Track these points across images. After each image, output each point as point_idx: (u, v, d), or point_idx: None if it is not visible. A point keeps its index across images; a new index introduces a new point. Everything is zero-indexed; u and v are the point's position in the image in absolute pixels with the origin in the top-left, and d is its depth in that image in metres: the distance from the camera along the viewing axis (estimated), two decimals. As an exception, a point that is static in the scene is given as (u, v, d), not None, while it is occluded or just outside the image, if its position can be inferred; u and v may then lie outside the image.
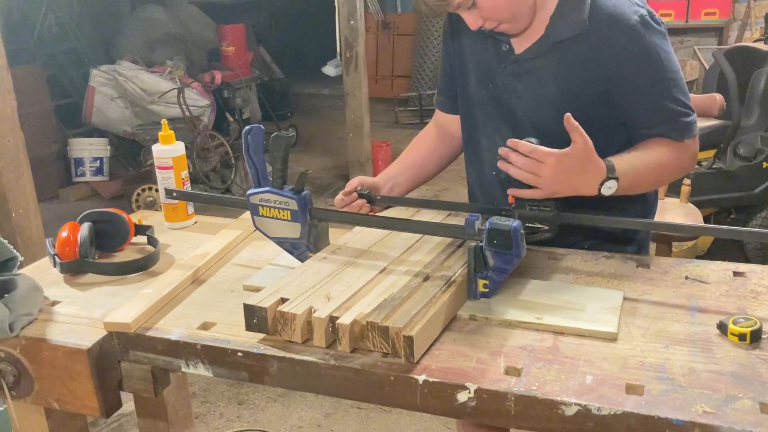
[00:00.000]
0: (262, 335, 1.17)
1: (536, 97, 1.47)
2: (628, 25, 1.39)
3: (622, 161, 1.37)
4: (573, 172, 1.30)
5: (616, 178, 1.33)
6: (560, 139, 1.32)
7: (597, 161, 1.32)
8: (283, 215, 1.36)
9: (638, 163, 1.41)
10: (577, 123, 1.28)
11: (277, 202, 1.35)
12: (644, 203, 1.59)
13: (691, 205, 2.79)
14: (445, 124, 1.75)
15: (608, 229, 1.54)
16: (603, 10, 1.40)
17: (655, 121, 1.44)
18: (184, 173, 1.70)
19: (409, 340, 1.06)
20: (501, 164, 1.34)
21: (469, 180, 1.71)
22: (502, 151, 1.34)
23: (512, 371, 1.05)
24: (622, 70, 1.41)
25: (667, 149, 1.44)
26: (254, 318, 1.15)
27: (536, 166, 1.30)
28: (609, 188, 1.33)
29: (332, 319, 1.12)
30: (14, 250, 1.36)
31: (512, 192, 1.37)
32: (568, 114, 1.29)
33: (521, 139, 1.32)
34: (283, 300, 1.17)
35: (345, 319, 1.10)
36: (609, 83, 1.43)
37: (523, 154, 1.30)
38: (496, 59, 1.52)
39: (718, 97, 3.46)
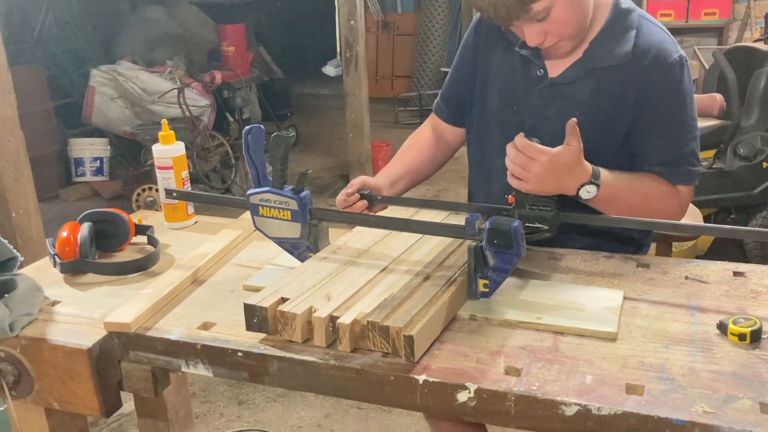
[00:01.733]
0: (262, 335, 1.17)
1: (565, 124, 1.45)
2: (668, 64, 1.42)
3: (610, 174, 1.38)
4: (560, 172, 1.31)
5: (598, 185, 1.34)
6: None
7: (584, 165, 1.34)
8: (283, 215, 1.36)
9: (625, 182, 1.42)
10: (577, 129, 1.29)
11: (277, 202, 1.35)
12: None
13: (691, 205, 2.78)
14: (443, 132, 1.74)
15: (608, 229, 1.55)
16: (647, 43, 1.42)
17: (661, 160, 1.46)
18: (184, 173, 1.70)
19: (410, 339, 1.06)
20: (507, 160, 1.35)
21: (474, 196, 1.70)
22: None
23: (512, 371, 1.05)
24: (652, 106, 1.43)
25: (657, 185, 1.46)
26: (254, 318, 1.15)
27: (528, 162, 1.30)
28: (588, 192, 1.34)
29: (332, 319, 1.12)
30: (14, 250, 1.36)
31: (510, 180, 1.36)
32: (574, 119, 1.30)
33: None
34: (284, 300, 1.17)
35: (345, 319, 1.10)
36: (636, 116, 1.45)
37: (518, 148, 1.31)
38: (524, 82, 1.51)
39: (718, 97, 3.46)
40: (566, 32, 1.39)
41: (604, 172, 1.36)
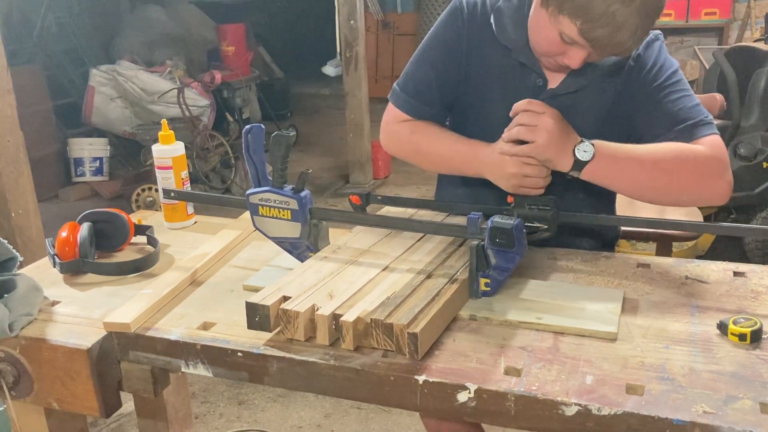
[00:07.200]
0: (262, 335, 1.17)
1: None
2: (651, 46, 1.44)
3: (602, 141, 1.34)
4: (562, 130, 1.31)
5: (591, 144, 1.31)
6: None
7: (571, 130, 1.33)
8: (283, 215, 1.36)
9: (627, 148, 1.35)
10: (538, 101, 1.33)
11: (277, 202, 1.35)
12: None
13: (691, 205, 2.78)
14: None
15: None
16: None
17: (670, 126, 1.40)
18: (184, 173, 1.70)
19: (414, 336, 1.06)
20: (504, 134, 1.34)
21: (467, 198, 1.62)
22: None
23: (512, 371, 1.05)
24: (651, 91, 1.43)
25: (670, 145, 1.37)
26: (256, 316, 1.15)
27: (536, 117, 1.29)
28: (584, 152, 1.31)
29: (335, 317, 1.12)
30: (14, 250, 1.35)
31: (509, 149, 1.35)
32: (525, 100, 1.32)
33: None
34: (285, 298, 1.17)
35: (349, 317, 1.10)
36: (639, 107, 1.44)
37: (525, 107, 1.31)
38: (524, 90, 1.47)
39: (719, 97, 3.45)
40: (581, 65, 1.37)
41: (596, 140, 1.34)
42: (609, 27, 1.23)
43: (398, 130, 1.58)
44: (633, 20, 1.22)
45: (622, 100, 1.46)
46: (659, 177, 1.35)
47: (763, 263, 1.51)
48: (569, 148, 1.31)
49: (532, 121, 1.30)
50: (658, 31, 1.47)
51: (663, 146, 1.37)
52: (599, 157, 1.32)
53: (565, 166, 1.33)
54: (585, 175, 1.33)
